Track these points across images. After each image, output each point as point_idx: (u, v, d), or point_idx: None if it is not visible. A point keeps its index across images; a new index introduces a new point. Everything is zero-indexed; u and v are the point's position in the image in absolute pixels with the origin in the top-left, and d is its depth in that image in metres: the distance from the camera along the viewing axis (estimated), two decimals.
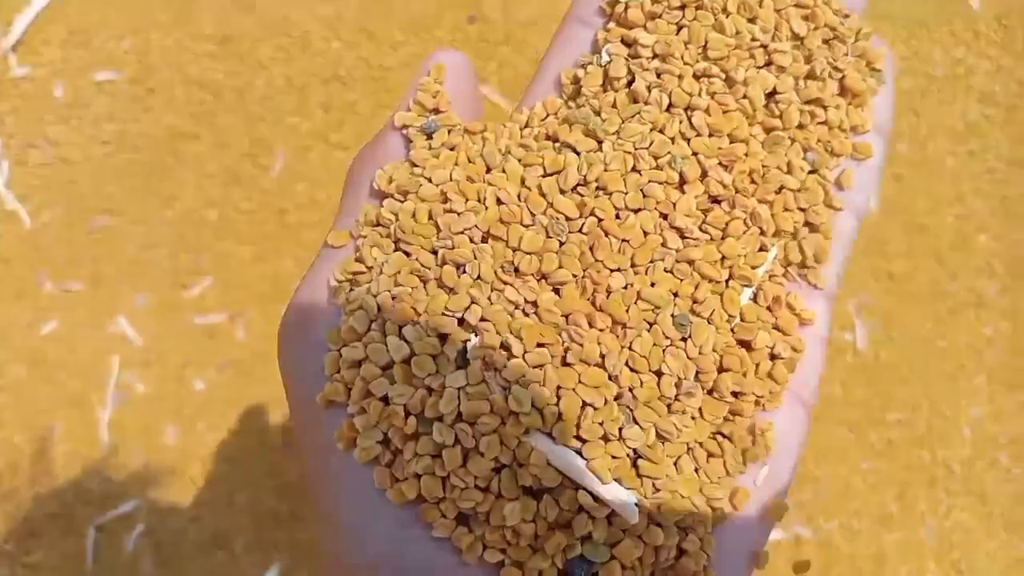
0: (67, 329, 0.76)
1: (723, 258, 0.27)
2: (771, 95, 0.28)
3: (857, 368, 0.77)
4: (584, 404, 0.24)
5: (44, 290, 0.76)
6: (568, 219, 0.26)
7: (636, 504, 0.24)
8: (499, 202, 0.26)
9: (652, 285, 0.26)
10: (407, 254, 0.26)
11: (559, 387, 0.24)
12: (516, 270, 0.26)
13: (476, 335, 0.25)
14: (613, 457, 0.24)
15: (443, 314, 0.25)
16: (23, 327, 0.76)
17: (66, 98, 0.80)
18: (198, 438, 0.74)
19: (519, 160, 0.27)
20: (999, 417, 0.77)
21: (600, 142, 0.28)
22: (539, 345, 0.25)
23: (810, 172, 0.28)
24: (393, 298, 0.25)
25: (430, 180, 0.27)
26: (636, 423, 0.25)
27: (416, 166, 0.27)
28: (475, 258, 0.26)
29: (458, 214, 0.26)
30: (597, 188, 0.27)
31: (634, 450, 0.25)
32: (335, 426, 0.25)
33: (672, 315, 0.26)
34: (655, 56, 0.29)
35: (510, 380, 0.24)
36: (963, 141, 0.83)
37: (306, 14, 0.82)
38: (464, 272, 0.26)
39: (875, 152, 0.29)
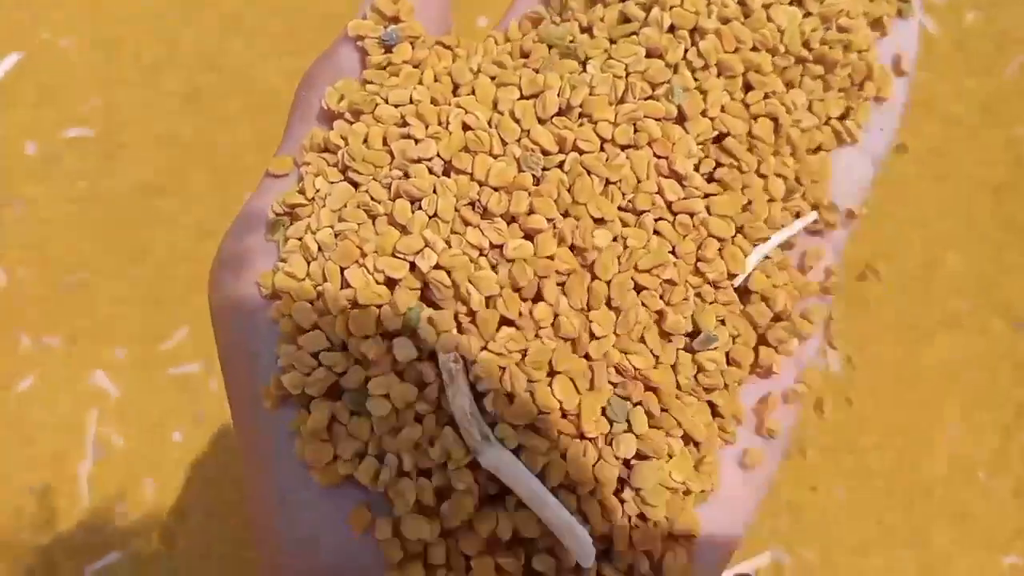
0: (45, 385, 0.76)
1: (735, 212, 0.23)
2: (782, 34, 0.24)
3: (831, 393, 0.78)
4: (559, 404, 0.20)
5: (21, 347, 0.77)
6: (546, 153, 0.22)
7: (593, 543, 0.21)
8: (465, 127, 0.22)
9: (644, 246, 0.22)
10: (355, 185, 0.22)
11: (529, 379, 0.20)
12: (483, 209, 0.21)
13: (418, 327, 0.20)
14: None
15: (393, 256, 0.21)
16: (1, 385, 0.76)
17: (38, 155, 0.81)
18: (177, 490, 0.74)
19: (492, 79, 0.23)
20: (975, 434, 0.77)
21: (584, 63, 0.23)
22: (504, 322, 0.21)
23: (832, 119, 0.25)
24: (336, 235, 0.22)
25: (387, 100, 0.23)
26: (628, 420, 0.21)
27: (371, 83, 0.24)
28: (434, 192, 0.21)
29: (416, 141, 0.22)
30: (580, 115, 0.23)
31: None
32: (265, 383, 0.22)
33: (691, 333, 0.22)
34: None
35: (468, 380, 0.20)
36: (928, 163, 0.84)
37: (272, 70, 0.83)
38: (420, 208, 0.21)
39: (898, 93, 0.26)
